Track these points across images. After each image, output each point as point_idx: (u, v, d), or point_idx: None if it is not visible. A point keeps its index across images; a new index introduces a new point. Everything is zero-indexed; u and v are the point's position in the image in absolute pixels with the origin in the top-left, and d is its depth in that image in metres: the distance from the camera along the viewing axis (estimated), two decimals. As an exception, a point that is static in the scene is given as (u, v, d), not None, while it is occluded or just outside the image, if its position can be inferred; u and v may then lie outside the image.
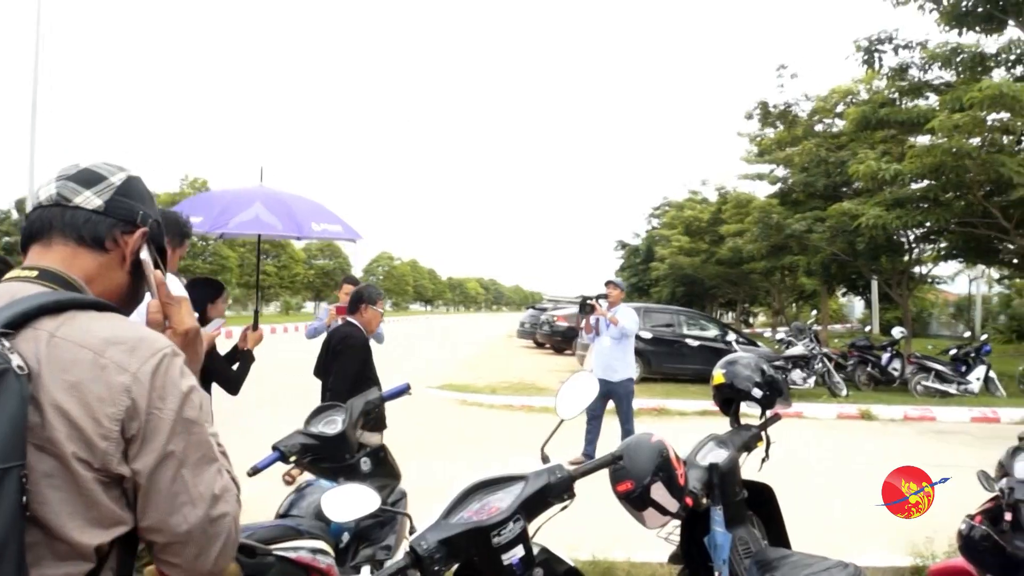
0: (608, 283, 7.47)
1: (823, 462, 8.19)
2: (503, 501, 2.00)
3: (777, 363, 13.46)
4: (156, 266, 1.34)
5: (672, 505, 2.54)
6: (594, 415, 7.32)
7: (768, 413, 3.15)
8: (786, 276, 26.17)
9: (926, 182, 13.68)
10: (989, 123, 11.49)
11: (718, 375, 3.13)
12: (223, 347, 4.14)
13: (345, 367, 4.50)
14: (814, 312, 34.62)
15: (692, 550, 2.97)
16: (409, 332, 35.42)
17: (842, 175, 16.04)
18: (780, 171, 22.19)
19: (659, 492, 2.50)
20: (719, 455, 2.90)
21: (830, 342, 21.27)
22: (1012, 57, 12.52)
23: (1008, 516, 2.79)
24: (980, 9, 13.10)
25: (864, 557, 4.53)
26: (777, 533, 3.10)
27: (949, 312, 35.46)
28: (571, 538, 4.74)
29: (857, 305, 40.98)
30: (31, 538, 1.02)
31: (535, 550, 2.08)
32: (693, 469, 2.83)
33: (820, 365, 13.45)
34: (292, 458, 3.00)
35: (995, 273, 24.28)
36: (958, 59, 12.78)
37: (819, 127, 19.51)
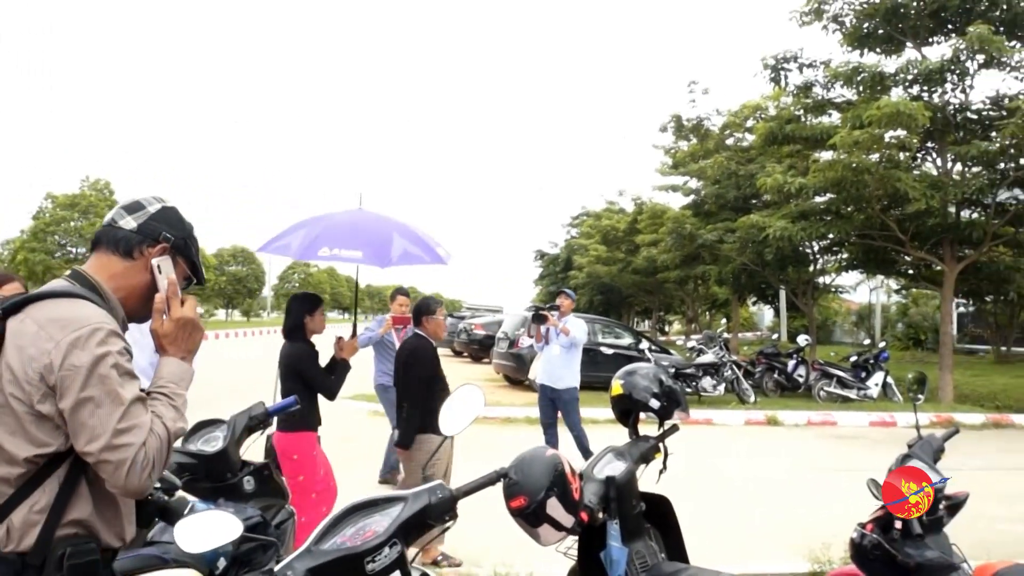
0: (560, 293, 7.64)
1: (731, 469, 8.32)
2: (379, 524, 1.87)
3: (688, 371, 13.71)
4: (191, 273, 1.89)
5: (567, 520, 2.46)
6: (548, 424, 7.39)
7: (666, 424, 3.13)
8: (699, 285, 26.80)
9: (829, 196, 14.17)
10: (887, 140, 11.98)
11: (616, 386, 3.08)
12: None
13: (417, 377, 4.76)
14: (724, 321, 35.58)
15: (590, 565, 2.90)
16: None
17: (751, 188, 16.52)
18: (693, 183, 22.75)
19: (554, 507, 2.42)
20: (616, 468, 2.84)
21: (740, 350, 21.87)
22: (909, 77, 13.08)
23: (898, 524, 2.81)
24: (880, 31, 13.72)
25: (766, 564, 4.58)
26: (675, 545, 3.06)
27: (852, 320, 36.94)
28: (472, 553, 4.66)
29: (767, 313, 42.30)
30: None
31: (415, 575, 1.96)
32: (590, 483, 2.76)
33: (729, 372, 13.76)
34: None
35: (893, 283, 25.39)
36: (859, 78, 13.29)
37: (730, 141, 20.09)
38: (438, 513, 1.94)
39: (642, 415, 3.17)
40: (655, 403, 3.02)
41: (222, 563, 2.76)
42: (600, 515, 2.70)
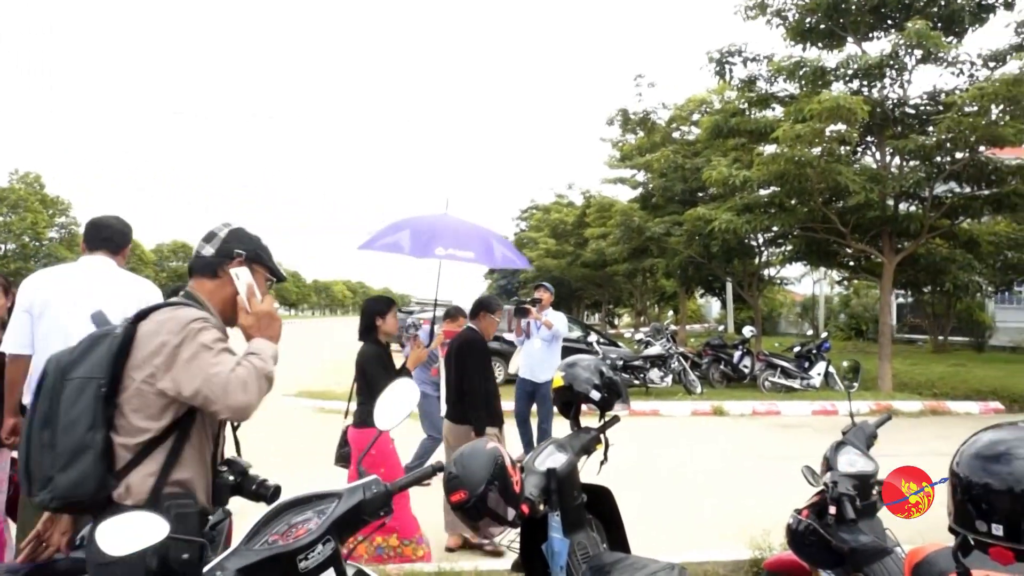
0: (539, 287, 7.62)
1: (677, 459, 8.40)
2: (312, 522, 1.83)
3: (636, 363, 13.82)
4: (271, 274, 2.32)
5: (508, 513, 2.43)
6: (522, 419, 7.37)
7: (607, 415, 3.11)
8: (647, 278, 27.05)
9: (772, 189, 14.39)
10: (828, 134, 12.20)
11: (558, 378, 3.07)
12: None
13: (472, 367, 4.99)
14: (672, 313, 36.02)
15: (532, 557, 2.87)
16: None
17: (697, 181, 16.70)
18: (641, 176, 22.92)
19: (495, 501, 2.39)
20: (558, 460, 2.82)
21: (688, 341, 22.13)
22: (849, 72, 13.33)
23: (832, 510, 2.84)
24: (822, 26, 13.96)
25: (709, 552, 4.61)
26: (616, 535, 3.06)
27: (796, 312, 37.72)
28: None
29: (714, 305, 42.96)
30: (118, 421, 1.96)
31: (349, 572, 1.91)
32: (531, 475, 2.73)
33: (676, 364, 13.90)
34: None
35: (835, 275, 25.98)
36: (801, 72, 13.51)
37: (676, 134, 20.28)
38: (373, 508, 1.90)
39: (584, 407, 3.16)
40: (596, 395, 3.01)
41: (153, 565, 2.66)
42: (541, 507, 2.68)
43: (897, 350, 18.50)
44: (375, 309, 4.63)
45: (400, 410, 2.12)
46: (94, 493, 1.92)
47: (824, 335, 16.63)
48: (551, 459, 2.75)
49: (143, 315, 2.06)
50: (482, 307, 5.23)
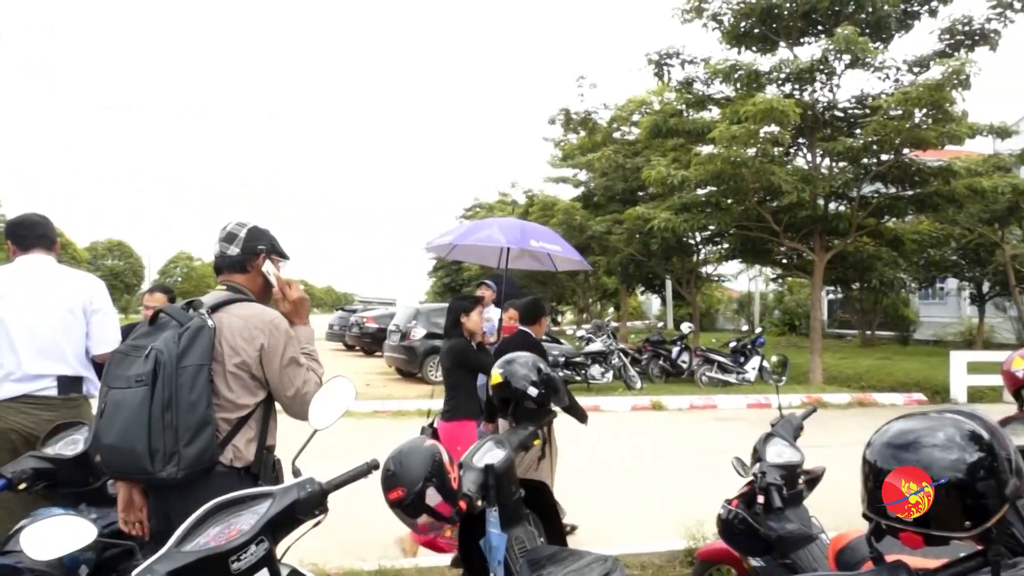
0: (481, 284, 7.64)
1: (616, 453, 8.55)
2: (245, 522, 1.82)
3: (577, 359, 13.99)
4: (279, 262, 2.69)
5: (446, 510, 2.47)
6: None
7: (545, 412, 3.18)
8: (589, 276, 27.33)
9: (709, 188, 14.73)
10: (762, 135, 12.55)
11: (495, 375, 3.12)
12: None
13: None
14: (612, 310, 36.48)
15: (471, 553, 2.92)
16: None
17: (638, 180, 16.98)
18: (582, 175, 23.16)
19: (432, 497, 2.43)
20: (496, 456, 2.87)
21: (629, 338, 22.47)
22: (782, 75, 13.73)
23: (760, 499, 2.96)
24: (756, 31, 14.32)
25: (645, 544, 4.73)
26: (553, 529, 3.13)
27: (733, 308, 38.62)
28: (357, 548, 4.60)
29: (654, 302, 43.65)
30: (216, 400, 2.36)
31: (283, 572, 1.92)
32: (469, 471, 2.77)
33: (617, 360, 14.12)
34: (21, 486, 2.64)
35: (770, 272, 26.68)
36: (736, 75, 13.85)
37: (617, 134, 20.56)
38: (307, 508, 1.91)
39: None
40: (534, 391, 3.07)
41: (84, 570, 2.62)
42: (479, 503, 2.72)
43: (827, 344, 19.12)
44: (461, 307, 4.90)
45: (335, 409, 2.15)
46: (210, 460, 2.33)
47: (759, 331, 17.11)
48: (489, 455, 2.80)
49: (216, 307, 2.47)
50: (541, 313, 5.46)
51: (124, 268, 57.88)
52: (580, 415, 4.80)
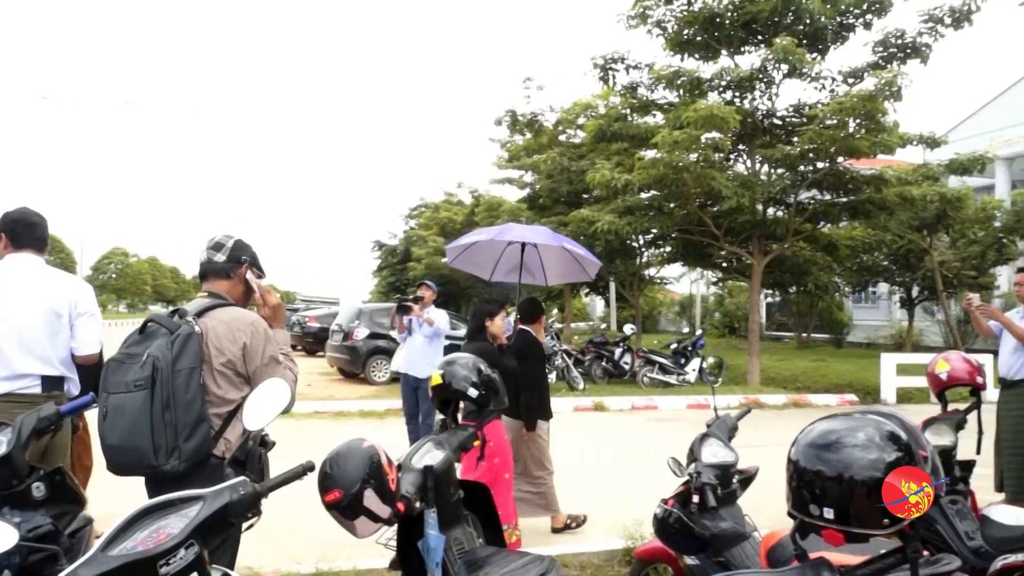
0: (422, 284, 7.69)
1: (559, 453, 8.58)
2: (175, 526, 1.77)
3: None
4: (258, 276, 2.98)
5: (384, 512, 2.46)
6: (412, 415, 7.38)
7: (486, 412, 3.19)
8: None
9: (652, 192, 14.92)
10: (703, 141, 12.79)
11: (436, 376, 3.11)
12: None
13: (533, 366, 5.35)
14: (556, 311, 36.70)
15: (409, 555, 2.91)
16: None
17: (582, 183, 17.10)
18: (528, 177, 23.23)
19: (370, 499, 2.41)
20: (435, 457, 2.87)
21: (573, 339, 22.63)
22: (723, 83, 14.00)
23: (696, 498, 3.02)
24: (699, 38, 14.56)
25: (584, 544, 4.78)
26: (493, 531, 3.14)
27: (675, 310, 39.28)
28: (294, 551, 4.54)
29: (598, 304, 44.04)
30: (207, 397, 2.62)
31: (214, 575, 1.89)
32: (408, 473, 2.77)
33: (560, 361, 14.22)
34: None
35: (711, 275, 27.20)
36: (679, 82, 14.06)
37: (563, 137, 20.66)
38: (240, 511, 1.87)
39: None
40: (474, 392, 3.08)
41: (7, 575, 2.54)
42: (418, 504, 2.71)
43: (765, 346, 19.58)
44: (485, 311, 5.08)
45: (270, 410, 2.12)
46: (206, 453, 2.61)
47: (699, 333, 17.40)
48: (428, 456, 2.80)
49: (200, 313, 2.74)
50: (540, 312, 5.61)
51: (54, 263, 55.88)
52: (530, 420, 5.21)
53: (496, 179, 26.04)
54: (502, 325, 5.04)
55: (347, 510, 2.37)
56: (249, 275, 2.94)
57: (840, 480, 1.57)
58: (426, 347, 7.35)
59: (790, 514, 1.68)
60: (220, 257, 2.91)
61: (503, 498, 4.52)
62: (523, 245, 6.72)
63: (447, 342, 13.81)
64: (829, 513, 1.57)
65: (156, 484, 2.64)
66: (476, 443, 3.18)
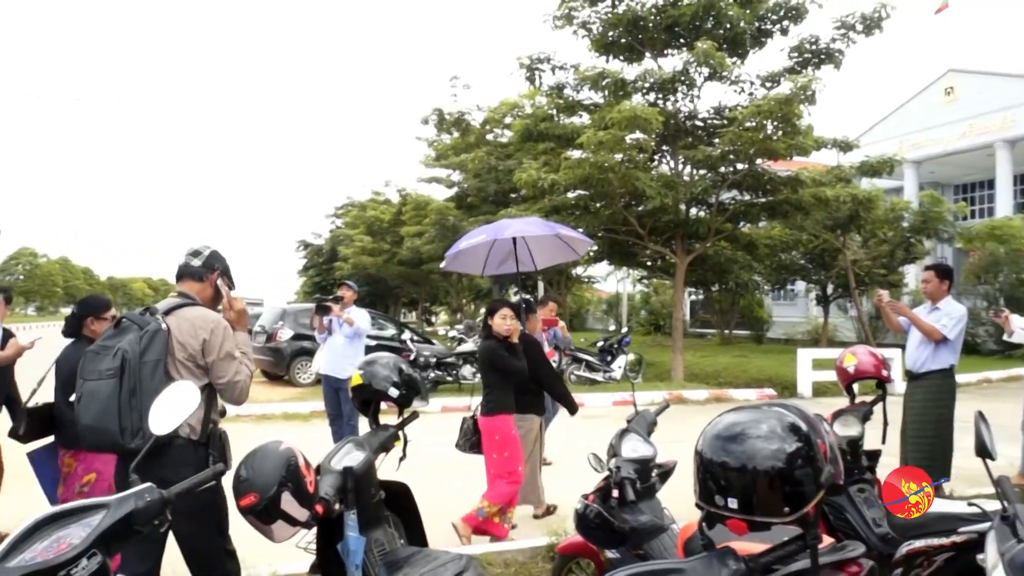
0: (342, 284, 7.62)
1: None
2: (76, 535, 1.71)
3: (449, 359, 14.00)
4: (228, 285, 3.34)
5: (302, 515, 2.42)
6: (335, 415, 7.32)
7: (406, 412, 3.17)
8: (463, 276, 27.44)
9: (579, 192, 15.08)
10: (627, 142, 12.98)
11: (356, 376, 3.08)
12: None
13: (540, 360, 5.60)
14: (481, 310, 36.71)
15: (329, 557, 2.87)
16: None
17: (510, 182, 17.17)
18: (456, 176, 23.20)
19: (288, 502, 2.37)
20: (355, 458, 2.84)
21: (501, 338, 22.66)
22: (647, 84, 14.25)
23: (615, 493, 3.07)
24: (623, 40, 14.78)
25: (510, 541, 4.79)
26: (415, 531, 3.12)
27: (603, 308, 39.81)
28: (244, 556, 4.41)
29: (527, 303, 44.26)
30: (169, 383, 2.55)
31: (120, 585, 1.82)
32: (327, 475, 2.73)
33: (488, 360, 14.22)
34: None
35: (636, 274, 27.66)
36: (604, 83, 14.24)
37: (490, 136, 20.73)
38: (146, 518, 1.82)
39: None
40: (394, 392, 3.05)
41: None
42: (337, 506, 2.68)
43: (689, 343, 20.02)
44: (488, 310, 5.37)
45: (176, 415, 2.06)
46: (171, 436, 2.69)
47: (625, 330, 17.68)
48: (348, 458, 2.77)
49: (167, 312, 3.08)
50: (526, 308, 5.71)
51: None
52: (570, 405, 5.53)
53: (424, 178, 25.94)
54: (501, 324, 5.15)
55: (263, 514, 2.33)
56: (220, 282, 3.31)
57: (743, 471, 1.61)
58: (347, 347, 7.28)
59: (698, 505, 1.72)
60: (196, 262, 3.29)
61: (507, 489, 4.95)
62: (514, 238, 6.74)
63: (372, 343, 13.65)
64: (733, 503, 1.61)
65: (125, 462, 2.93)
66: (397, 443, 3.16)
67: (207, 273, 3.29)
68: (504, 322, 5.17)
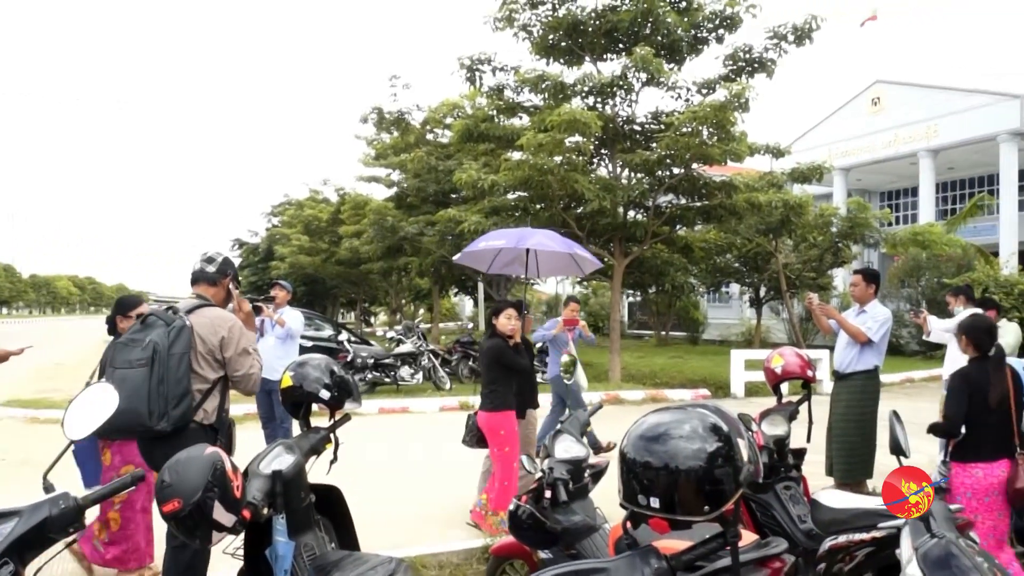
0: (275, 284, 7.58)
1: (424, 454, 8.58)
2: None
3: (387, 361, 13.89)
4: (236, 288, 3.86)
5: (228, 520, 2.36)
6: (267, 418, 7.21)
7: (337, 414, 3.13)
8: (402, 276, 27.24)
9: (518, 193, 15.13)
10: (567, 144, 13.08)
11: (286, 377, 3.03)
12: None
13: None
14: (421, 311, 36.57)
15: (257, 563, 2.82)
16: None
17: (450, 183, 17.11)
18: (395, 175, 23.02)
19: (213, 508, 2.31)
20: (284, 461, 2.79)
21: (441, 339, 22.62)
22: (586, 88, 14.36)
23: (548, 494, 3.09)
24: (563, 44, 14.88)
25: (443, 543, 4.78)
26: (346, 534, 3.09)
27: (543, 310, 40.03)
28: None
29: (468, 304, 44.25)
30: (192, 375, 3.47)
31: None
32: (255, 479, 2.68)
33: (427, 361, 14.18)
34: None
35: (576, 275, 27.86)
36: (544, 85, 14.30)
37: (430, 136, 20.61)
38: (61, 525, 1.76)
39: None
40: (325, 394, 3.01)
41: None
42: (265, 511, 2.63)
43: (627, 344, 20.29)
44: (493, 310, 5.63)
45: (94, 419, 2.00)
46: (188, 420, 3.40)
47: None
48: (277, 461, 2.72)
49: (190, 311, 3.56)
50: (517, 310, 5.92)
51: None
52: (511, 362, 5.52)
53: (363, 177, 25.66)
54: (506, 323, 5.40)
55: (187, 520, 2.27)
56: (231, 286, 3.81)
57: (666, 470, 1.63)
58: (279, 348, 7.18)
59: (622, 505, 1.74)
60: (211, 268, 3.75)
61: (514, 485, 5.13)
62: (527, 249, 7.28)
63: (308, 343, 13.48)
64: (655, 502, 1.64)
65: (148, 443, 3.44)
66: (329, 445, 3.12)
67: (220, 278, 3.76)
68: (509, 322, 5.41)
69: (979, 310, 7.48)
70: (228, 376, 3.59)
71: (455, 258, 8.37)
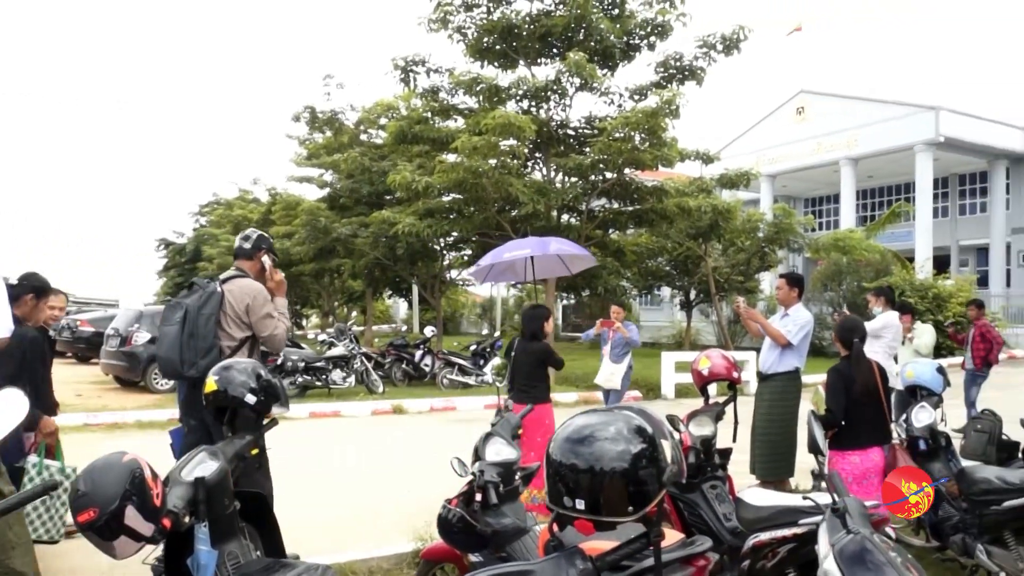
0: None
1: (355, 458, 8.48)
2: None
3: (318, 364, 13.68)
4: (272, 262, 4.57)
5: (147, 529, 2.29)
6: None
7: (264, 419, 3.07)
8: (335, 278, 26.86)
9: (453, 195, 15.11)
10: (501, 147, 13.12)
11: (210, 382, 2.95)
12: None
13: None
14: (355, 314, 36.13)
15: (180, 572, 2.73)
16: None
17: (384, 184, 16.96)
18: (328, 176, 22.70)
19: (132, 517, 2.23)
20: (208, 468, 2.71)
21: (375, 342, 22.39)
22: (520, 92, 14.43)
23: (479, 497, 3.09)
24: (498, 47, 14.93)
25: (373, 548, 4.73)
26: (271, 541, 3.03)
27: (477, 312, 40.00)
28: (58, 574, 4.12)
29: (402, 306, 43.88)
30: (221, 332, 4.27)
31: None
32: (176, 486, 2.60)
33: (359, 364, 14.01)
34: None
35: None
36: (478, 88, 14.33)
37: (364, 137, 20.40)
38: None
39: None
40: (251, 398, 2.95)
41: None
42: (186, 519, 2.56)
43: (561, 347, 20.37)
44: (543, 315, 6.13)
45: (6, 424, 1.92)
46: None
47: (497, 334, 17.84)
48: (200, 468, 2.65)
49: (224, 280, 4.29)
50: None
51: None
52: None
53: (295, 177, 25.24)
54: (549, 327, 6.07)
55: (104, 530, 2.19)
56: (265, 258, 4.46)
57: (591, 472, 1.65)
58: None
59: (548, 507, 1.75)
60: (247, 244, 4.45)
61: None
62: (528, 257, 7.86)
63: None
64: (580, 504, 1.65)
65: (191, 390, 4.04)
66: (254, 451, 3.05)
67: (255, 252, 4.44)
68: (549, 325, 6.08)
69: (895, 312, 7.81)
70: (256, 336, 4.26)
71: (479, 281, 9.35)
